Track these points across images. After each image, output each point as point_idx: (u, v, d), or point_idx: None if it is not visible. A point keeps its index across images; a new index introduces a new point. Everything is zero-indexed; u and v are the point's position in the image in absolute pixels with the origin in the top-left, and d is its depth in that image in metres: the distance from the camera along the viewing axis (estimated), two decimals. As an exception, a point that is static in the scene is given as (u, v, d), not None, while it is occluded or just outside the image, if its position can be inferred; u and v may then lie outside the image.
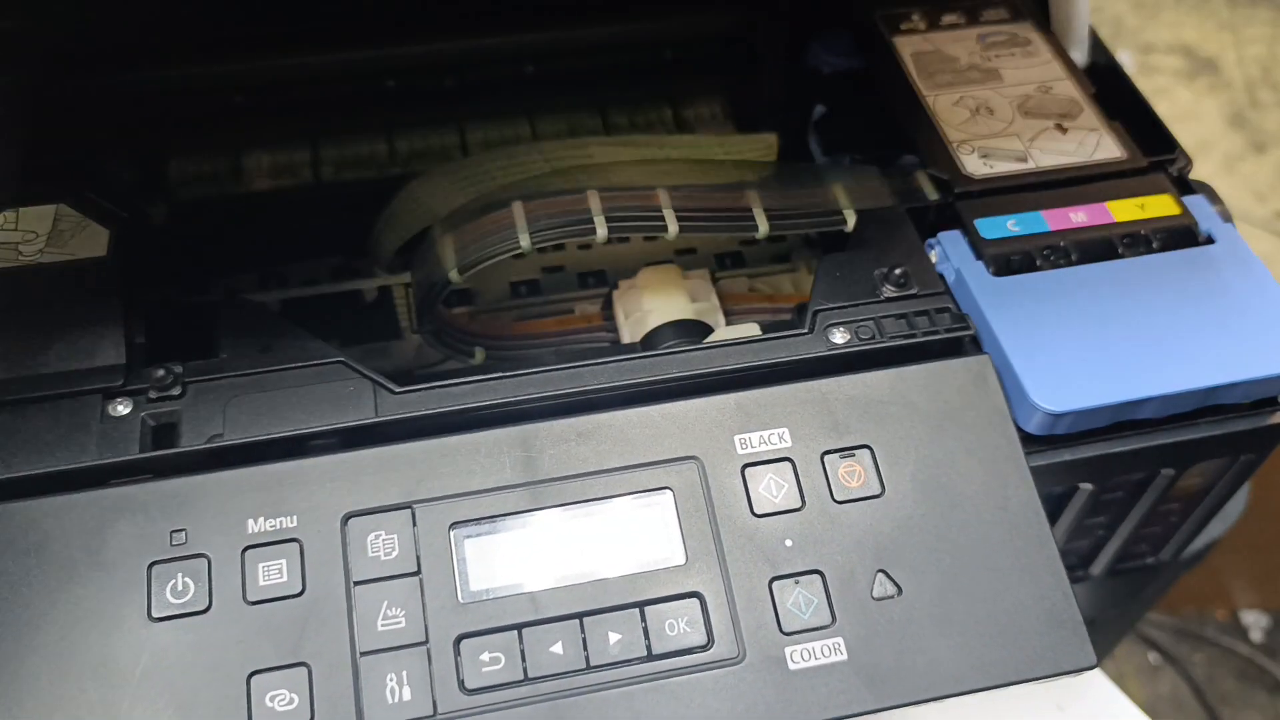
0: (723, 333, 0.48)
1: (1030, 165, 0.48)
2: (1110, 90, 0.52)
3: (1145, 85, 0.55)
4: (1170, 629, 1.24)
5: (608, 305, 0.53)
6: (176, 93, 0.59)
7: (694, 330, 0.48)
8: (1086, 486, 0.45)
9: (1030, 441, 0.41)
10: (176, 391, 0.40)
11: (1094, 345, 0.42)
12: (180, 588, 0.35)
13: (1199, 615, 1.26)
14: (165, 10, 0.55)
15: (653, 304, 0.50)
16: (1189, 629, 1.24)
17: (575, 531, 0.37)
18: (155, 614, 0.35)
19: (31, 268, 0.42)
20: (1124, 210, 0.47)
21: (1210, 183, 0.49)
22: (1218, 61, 1.75)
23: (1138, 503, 0.47)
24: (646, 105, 0.66)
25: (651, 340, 0.48)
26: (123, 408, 0.39)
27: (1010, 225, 0.46)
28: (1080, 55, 0.57)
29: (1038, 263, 0.45)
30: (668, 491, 0.38)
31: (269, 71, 0.60)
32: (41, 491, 0.37)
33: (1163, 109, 0.53)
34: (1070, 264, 0.45)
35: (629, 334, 0.50)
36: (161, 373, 0.40)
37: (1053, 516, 0.45)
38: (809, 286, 0.58)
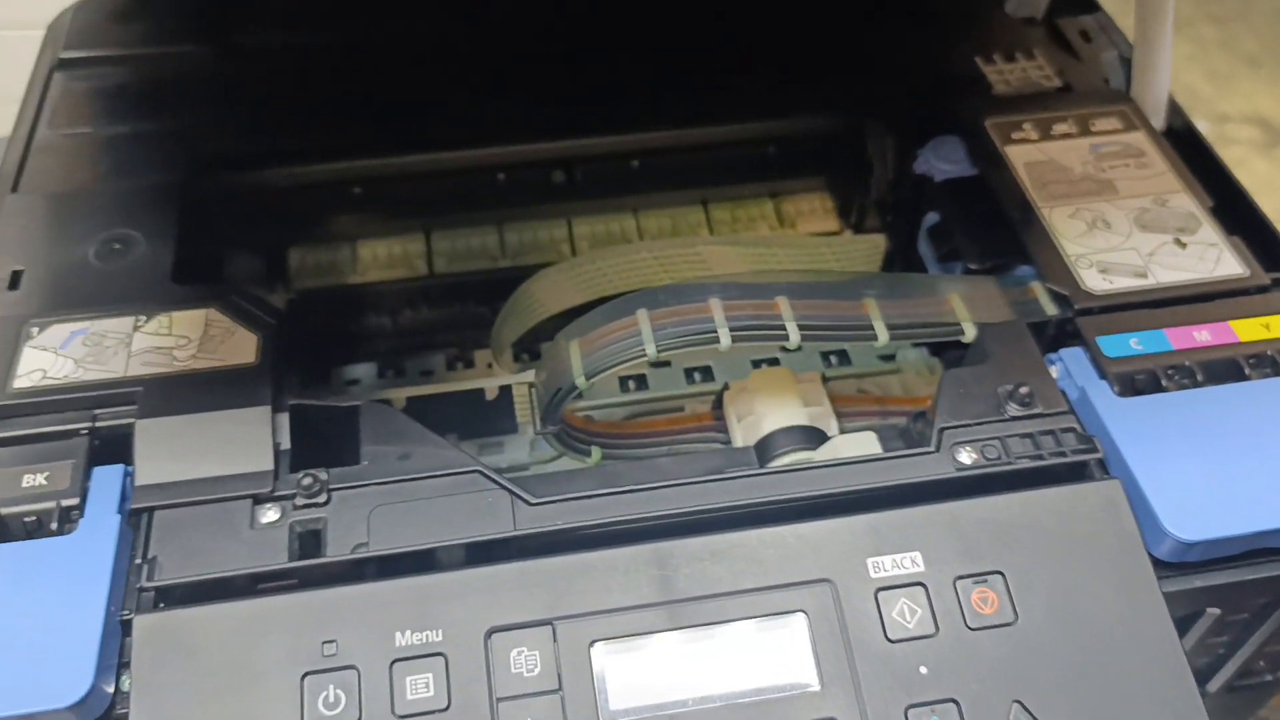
0: (838, 441, 0.48)
1: (1150, 281, 0.49)
2: (1226, 202, 0.52)
3: (1220, 156, 0.55)
4: (1258, 721, 1.20)
5: (718, 404, 0.54)
6: (299, 187, 0.62)
7: (809, 436, 0.49)
8: (1214, 611, 0.44)
9: (1158, 566, 0.41)
10: (322, 499, 0.41)
11: (1225, 471, 0.42)
12: (332, 699, 0.36)
13: (1288, 707, 1.22)
14: (298, 118, 0.58)
15: (766, 408, 0.50)
16: (1278, 721, 1.20)
17: (712, 652, 0.38)
18: (308, 726, 0.36)
19: (187, 374, 0.44)
20: (1249, 330, 0.47)
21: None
22: (1295, 133, 1.73)
23: (1263, 625, 0.47)
24: (748, 199, 0.68)
25: (766, 445, 0.49)
26: (271, 514, 0.41)
27: (1133, 344, 0.46)
28: (1159, 122, 0.58)
29: (1163, 383, 0.45)
30: (801, 614, 0.39)
31: (386, 167, 0.62)
32: (197, 598, 0.38)
33: (1240, 180, 0.52)
34: (1196, 385, 0.45)
35: (741, 437, 0.51)
36: (308, 480, 0.41)
37: (1175, 637, 0.45)
38: (916, 388, 0.59)
